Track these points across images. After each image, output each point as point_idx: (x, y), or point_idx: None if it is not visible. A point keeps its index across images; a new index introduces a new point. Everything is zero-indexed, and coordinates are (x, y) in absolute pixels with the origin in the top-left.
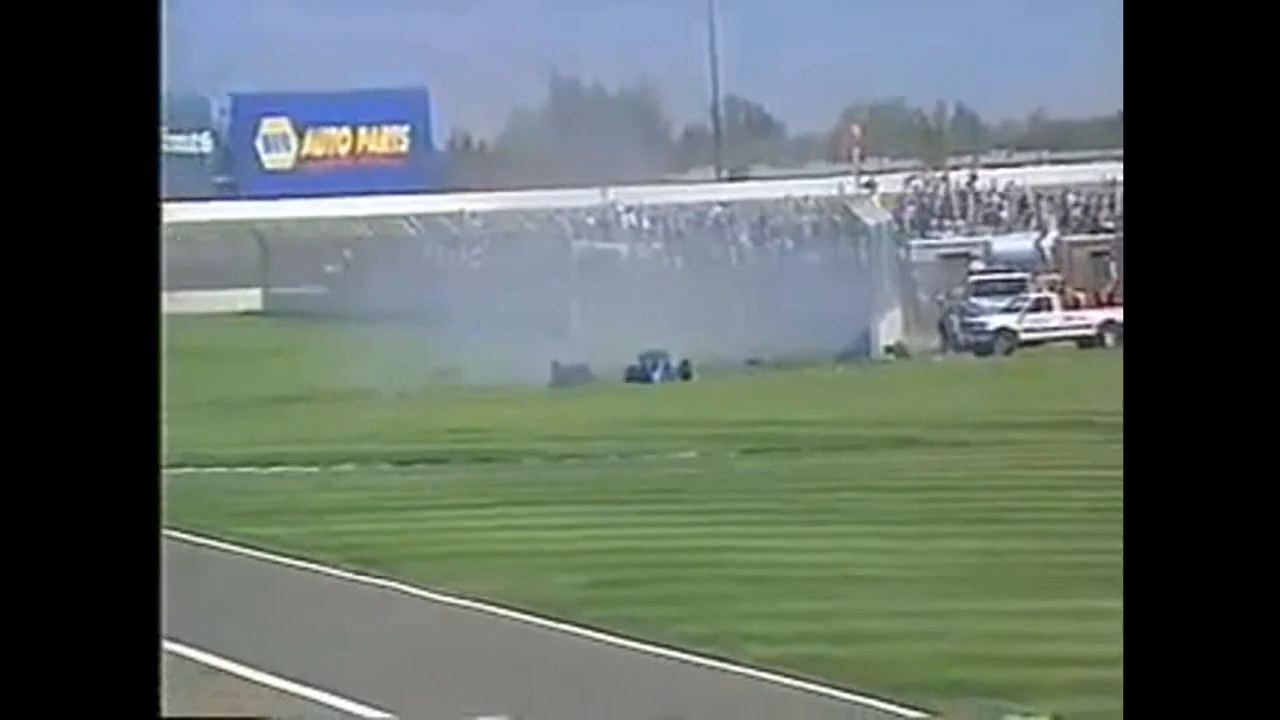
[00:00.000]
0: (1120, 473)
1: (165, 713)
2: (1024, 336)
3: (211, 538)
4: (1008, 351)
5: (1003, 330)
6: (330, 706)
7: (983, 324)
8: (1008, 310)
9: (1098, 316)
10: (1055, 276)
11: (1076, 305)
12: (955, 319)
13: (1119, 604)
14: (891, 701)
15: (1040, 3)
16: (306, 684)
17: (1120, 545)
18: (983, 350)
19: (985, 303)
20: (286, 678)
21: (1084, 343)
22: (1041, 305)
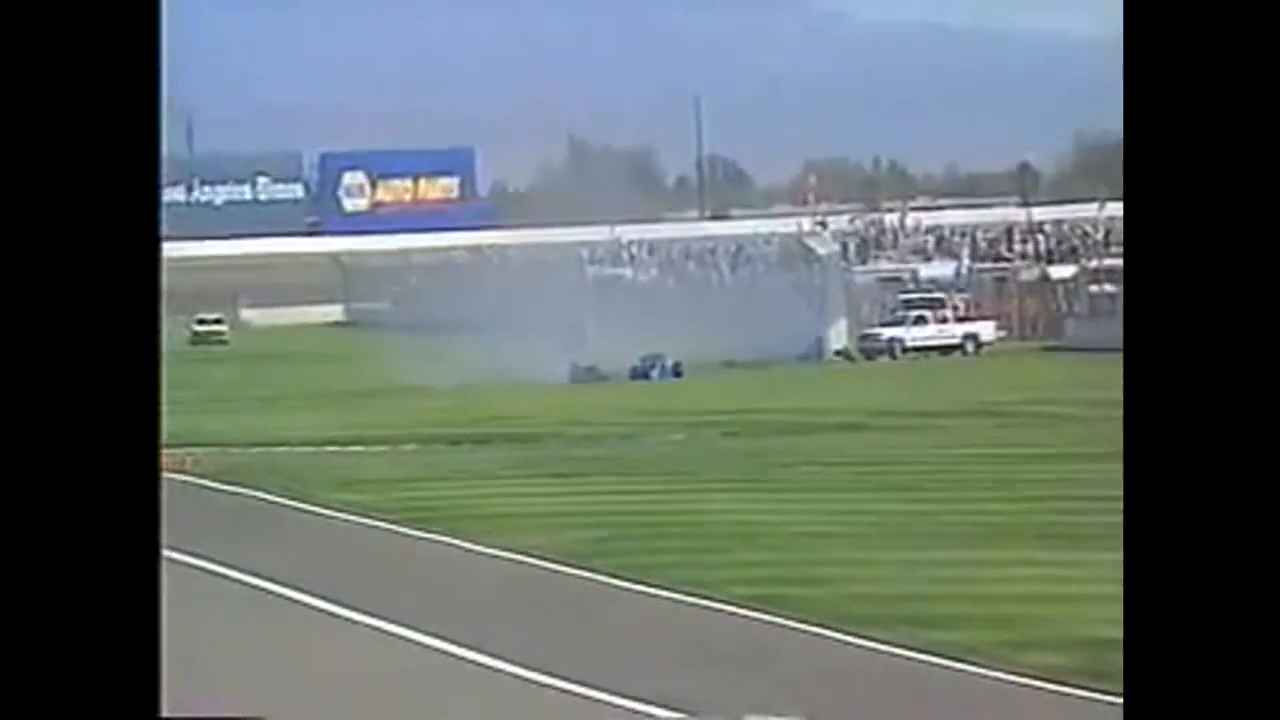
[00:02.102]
0: (1015, 449)
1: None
2: (908, 344)
3: (308, 501)
4: (900, 355)
5: (894, 339)
6: (394, 634)
7: (878, 334)
8: (896, 324)
9: (959, 330)
10: (966, 296)
11: (945, 321)
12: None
13: (1013, 554)
14: (853, 634)
15: (952, 79)
16: (376, 616)
17: (1012, 507)
18: (872, 355)
19: (906, 315)
20: (362, 611)
21: (946, 350)
22: (920, 321)
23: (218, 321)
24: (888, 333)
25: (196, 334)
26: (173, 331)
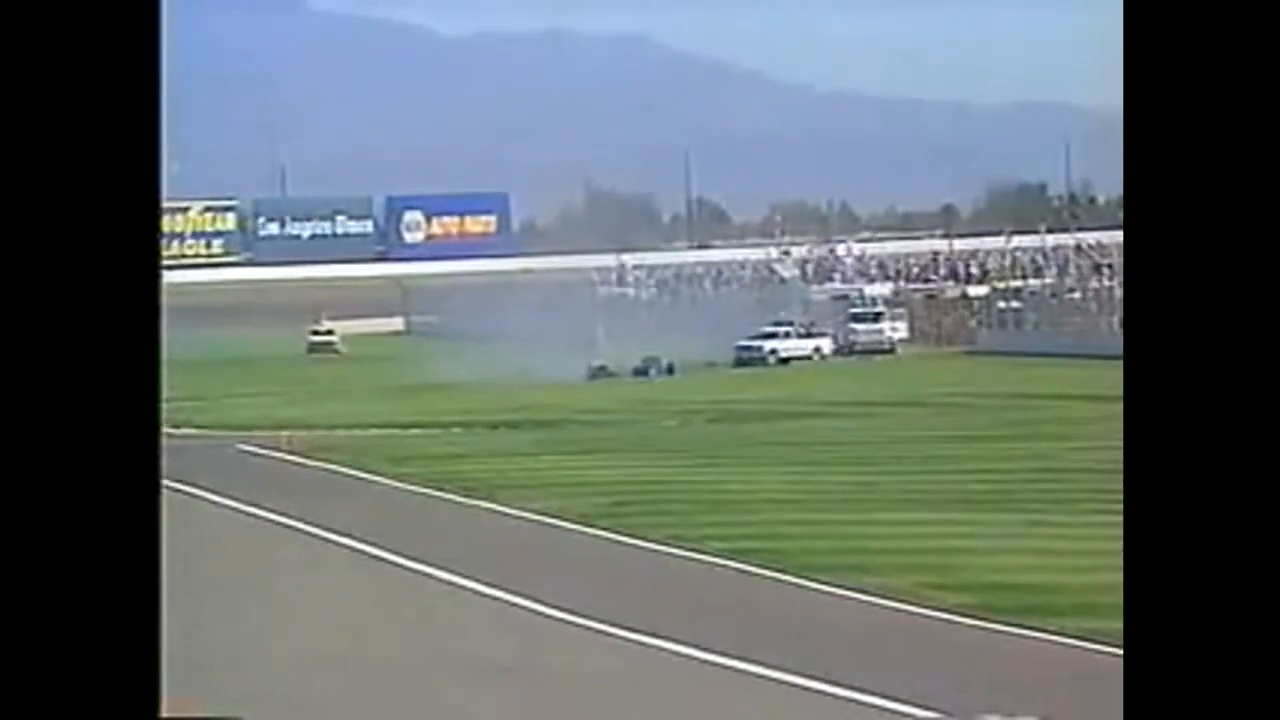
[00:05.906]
0: (938, 432)
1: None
2: (783, 355)
3: (374, 473)
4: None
5: (773, 351)
6: (442, 580)
7: (757, 346)
8: (785, 336)
9: (809, 344)
10: (900, 310)
11: (804, 336)
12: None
13: (935, 515)
14: (809, 579)
15: (889, 138)
16: (433, 565)
17: (935, 478)
18: (746, 363)
19: (860, 326)
20: (423, 562)
21: (800, 359)
22: (788, 335)
23: (329, 332)
24: (780, 344)
25: (312, 344)
26: (293, 339)
